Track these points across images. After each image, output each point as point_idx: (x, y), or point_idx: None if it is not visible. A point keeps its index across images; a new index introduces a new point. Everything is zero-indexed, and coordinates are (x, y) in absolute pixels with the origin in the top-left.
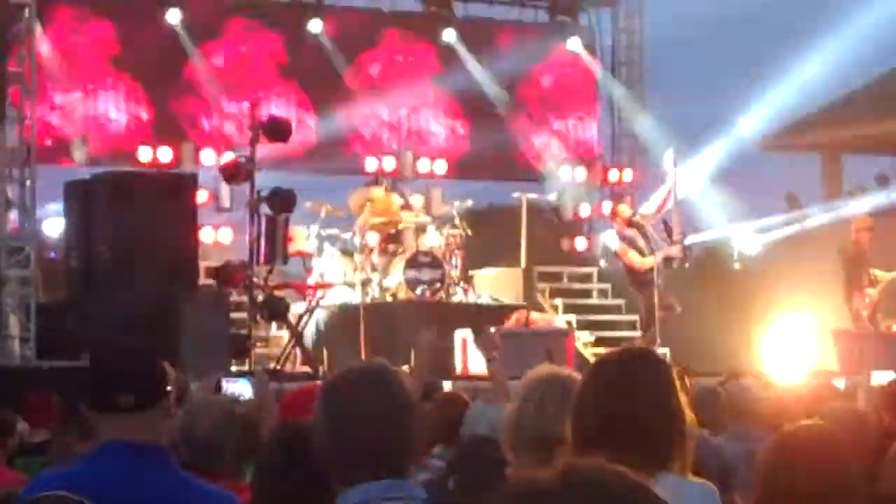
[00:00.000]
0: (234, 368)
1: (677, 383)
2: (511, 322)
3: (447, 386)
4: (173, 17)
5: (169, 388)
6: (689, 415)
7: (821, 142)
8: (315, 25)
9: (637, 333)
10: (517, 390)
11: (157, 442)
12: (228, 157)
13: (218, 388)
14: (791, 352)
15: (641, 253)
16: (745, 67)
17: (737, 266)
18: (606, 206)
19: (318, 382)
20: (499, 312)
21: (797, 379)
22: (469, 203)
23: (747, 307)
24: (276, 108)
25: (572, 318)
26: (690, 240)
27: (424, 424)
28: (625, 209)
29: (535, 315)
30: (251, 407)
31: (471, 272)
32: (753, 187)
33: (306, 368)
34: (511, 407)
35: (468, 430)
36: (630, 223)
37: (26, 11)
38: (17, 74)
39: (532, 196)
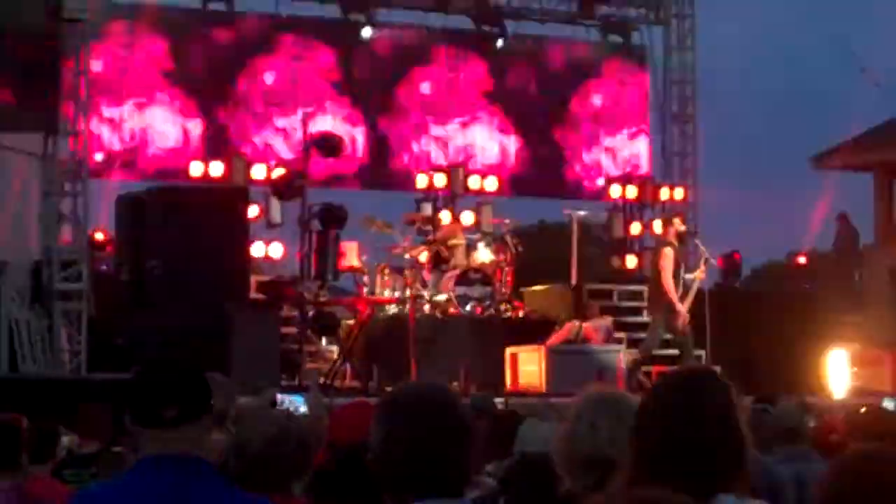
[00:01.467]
0: (284, 383)
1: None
2: (563, 330)
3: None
4: (225, 32)
5: (212, 402)
6: (749, 435)
7: (874, 161)
8: (366, 32)
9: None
10: (570, 409)
11: (200, 455)
12: (280, 172)
13: (273, 403)
14: (842, 372)
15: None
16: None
17: (788, 286)
18: (657, 225)
19: (369, 398)
20: (548, 328)
21: (845, 399)
22: (519, 220)
23: (799, 327)
24: (326, 123)
25: (622, 335)
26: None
27: (479, 443)
28: (678, 223)
29: (588, 323)
30: (304, 422)
31: (521, 289)
32: (805, 206)
33: (356, 383)
34: (564, 426)
35: (520, 447)
36: (680, 238)
37: (79, 27)
38: (70, 89)
39: (582, 213)
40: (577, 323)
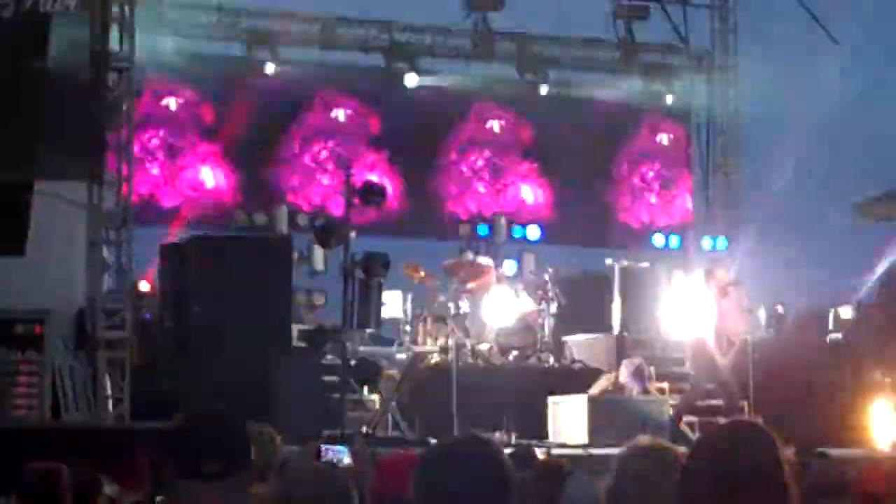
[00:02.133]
0: (329, 434)
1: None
2: (601, 383)
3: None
4: (269, 84)
5: (254, 455)
6: (794, 490)
7: None
8: (411, 80)
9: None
10: (613, 461)
11: None
12: (322, 220)
13: (317, 454)
14: (887, 424)
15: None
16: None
17: (834, 336)
18: (700, 275)
19: (414, 450)
20: (591, 378)
21: (889, 451)
22: (560, 269)
23: (843, 378)
24: (368, 173)
25: (665, 385)
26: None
27: (521, 495)
28: (722, 274)
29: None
30: (348, 474)
31: (563, 338)
32: (847, 257)
33: (398, 433)
34: (608, 481)
35: (568, 501)
36: (725, 291)
37: (125, 72)
38: (116, 137)
39: (625, 263)
40: (610, 375)
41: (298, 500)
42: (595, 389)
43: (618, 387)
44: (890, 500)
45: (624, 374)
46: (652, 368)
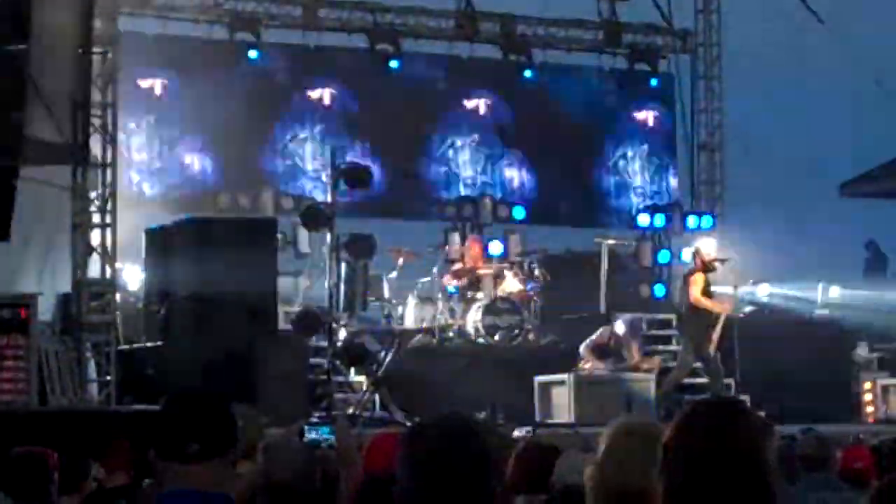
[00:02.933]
0: (314, 414)
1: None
2: (602, 333)
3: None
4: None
5: (238, 435)
6: (776, 467)
7: None
8: (393, 63)
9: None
10: (599, 440)
11: (222, 490)
12: (308, 202)
13: (301, 434)
14: (873, 399)
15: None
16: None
17: (817, 314)
18: (686, 253)
19: (399, 429)
20: (577, 358)
21: (875, 426)
22: (547, 249)
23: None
24: (353, 154)
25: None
26: (767, 290)
27: (504, 474)
28: (708, 251)
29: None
30: (332, 454)
31: (549, 318)
32: (833, 233)
33: (385, 414)
34: (595, 459)
35: (560, 479)
36: (708, 267)
37: (108, 57)
38: (100, 121)
39: (611, 242)
40: (609, 327)
41: (281, 480)
42: (594, 337)
43: (615, 338)
44: (872, 476)
45: (621, 328)
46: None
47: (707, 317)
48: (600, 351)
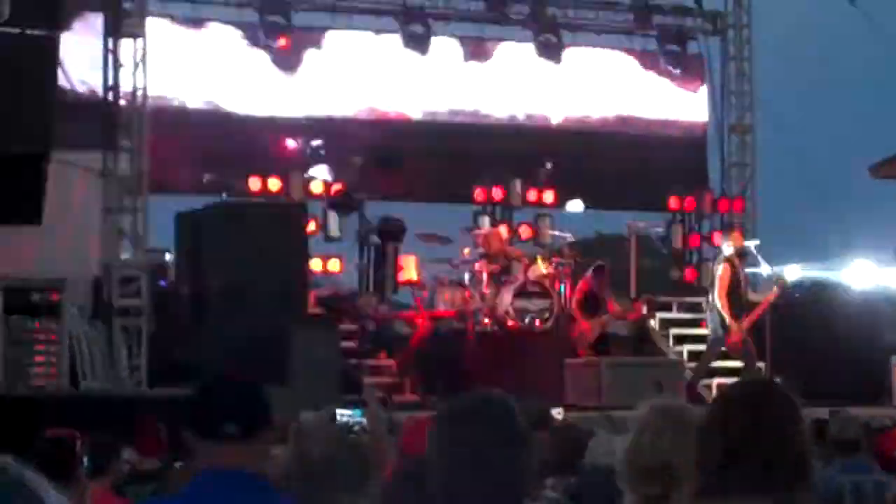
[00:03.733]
0: (345, 398)
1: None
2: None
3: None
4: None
5: (273, 421)
6: (811, 447)
7: None
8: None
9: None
10: (632, 421)
11: (259, 471)
12: (338, 186)
13: (333, 417)
14: None
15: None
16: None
17: (849, 295)
18: (716, 236)
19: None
20: (607, 341)
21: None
22: (577, 232)
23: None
24: (383, 136)
25: (684, 349)
26: (797, 272)
27: (538, 456)
28: (737, 238)
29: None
30: (364, 437)
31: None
32: (865, 214)
33: (416, 397)
34: (626, 439)
35: (590, 460)
36: (739, 254)
37: (139, 42)
38: (129, 105)
39: (641, 225)
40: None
41: (314, 463)
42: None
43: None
44: None
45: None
46: (671, 330)
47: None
48: (591, 304)
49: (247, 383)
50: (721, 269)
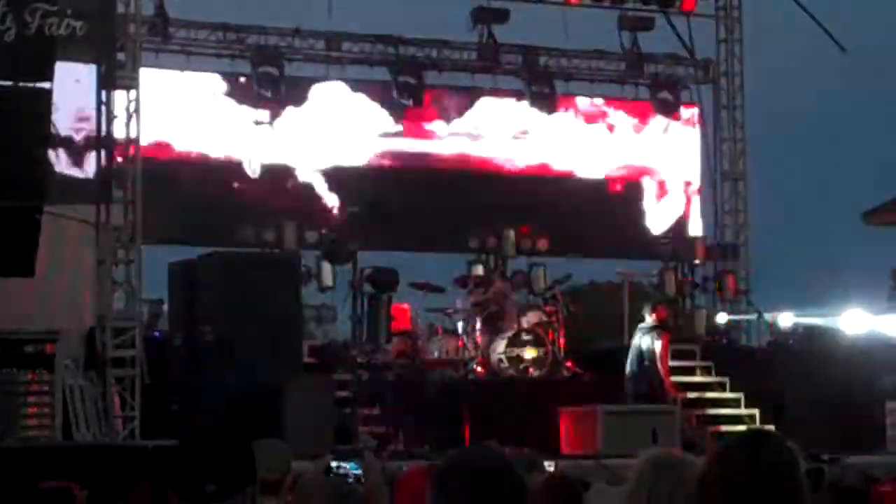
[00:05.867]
0: (340, 448)
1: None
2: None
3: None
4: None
5: (255, 475)
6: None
7: None
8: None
9: (741, 411)
10: (628, 471)
11: None
12: (331, 236)
13: (328, 469)
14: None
15: None
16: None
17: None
18: (709, 283)
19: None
20: (602, 389)
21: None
22: (570, 280)
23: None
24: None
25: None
26: (791, 320)
27: None
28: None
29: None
30: (360, 489)
31: (573, 349)
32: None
33: (410, 447)
34: (623, 491)
35: None
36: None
37: (132, 93)
38: (122, 156)
39: (633, 272)
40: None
41: None
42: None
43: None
44: None
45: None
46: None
47: None
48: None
49: (229, 439)
50: (662, 340)
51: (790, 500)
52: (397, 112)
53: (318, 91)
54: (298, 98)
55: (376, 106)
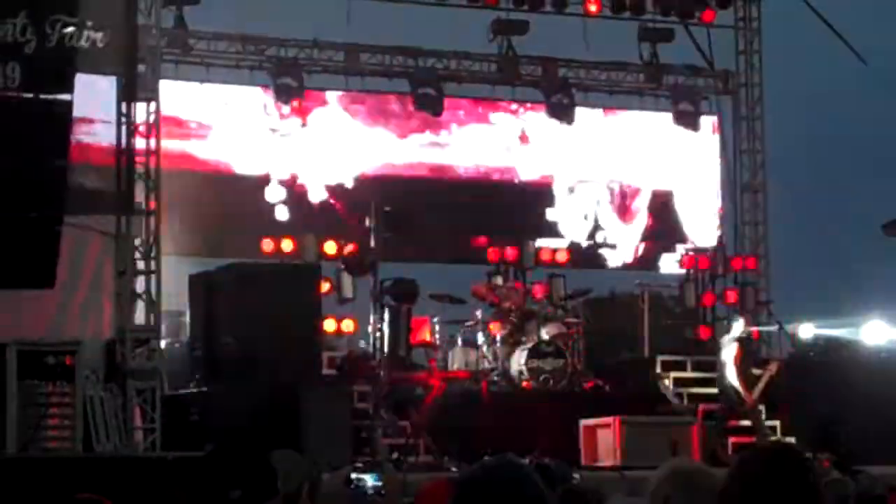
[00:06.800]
0: (360, 460)
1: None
2: None
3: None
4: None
5: (285, 482)
6: None
7: None
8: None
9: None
10: (646, 483)
11: None
12: (350, 248)
13: (348, 480)
14: None
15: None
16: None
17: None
18: (730, 295)
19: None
20: (623, 400)
21: None
22: (590, 289)
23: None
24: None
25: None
26: (811, 331)
27: None
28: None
29: None
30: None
31: (594, 361)
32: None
33: (430, 459)
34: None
35: None
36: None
37: (152, 105)
38: (143, 168)
39: (653, 284)
40: None
41: None
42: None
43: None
44: None
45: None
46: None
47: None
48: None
49: (253, 450)
50: (735, 349)
51: None
52: (415, 123)
53: (333, 101)
54: (317, 109)
55: (393, 116)
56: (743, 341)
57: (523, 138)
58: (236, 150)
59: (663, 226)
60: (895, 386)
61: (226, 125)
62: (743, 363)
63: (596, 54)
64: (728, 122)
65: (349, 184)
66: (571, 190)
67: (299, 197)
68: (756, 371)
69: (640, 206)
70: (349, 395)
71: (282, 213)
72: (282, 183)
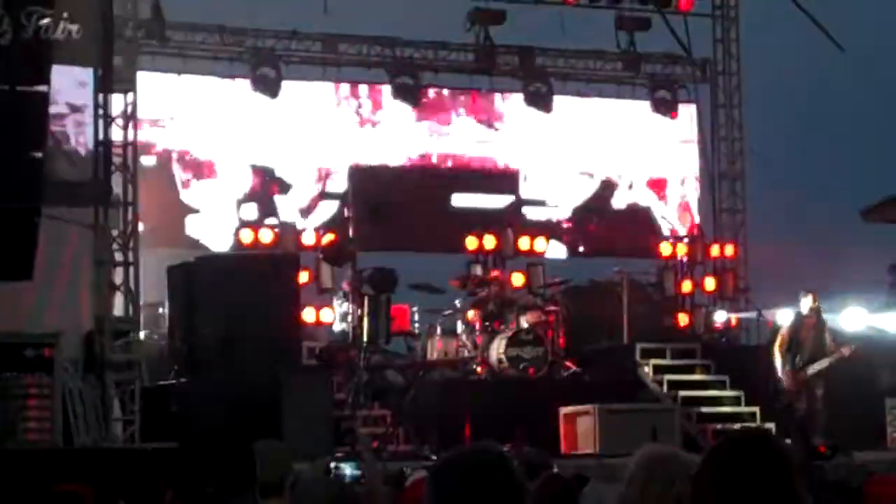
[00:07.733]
0: (339, 449)
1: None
2: None
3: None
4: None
5: (264, 472)
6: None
7: None
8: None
9: (742, 409)
10: (623, 470)
11: None
12: (329, 237)
13: (327, 470)
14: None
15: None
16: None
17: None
18: (708, 282)
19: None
20: (601, 388)
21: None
22: (570, 280)
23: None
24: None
25: (677, 393)
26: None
27: None
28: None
29: None
30: (359, 489)
31: (572, 349)
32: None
33: (409, 448)
34: (619, 489)
35: None
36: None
37: (129, 96)
38: (120, 160)
39: (633, 272)
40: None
41: None
42: None
43: None
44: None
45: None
46: (663, 376)
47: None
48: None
49: (229, 443)
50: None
51: (784, 498)
52: (395, 112)
53: (311, 90)
54: (294, 99)
55: (374, 106)
56: (818, 311)
57: (501, 127)
58: (214, 139)
59: (641, 213)
60: (874, 372)
61: (201, 114)
62: (818, 332)
63: (573, 43)
64: (706, 109)
65: (327, 174)
66: (549, 178)
67: (276, 186)
68: (831, 345)
69: (619, 193)
70: (329, 385)
71: (259, 205)
72: (257, 172)
